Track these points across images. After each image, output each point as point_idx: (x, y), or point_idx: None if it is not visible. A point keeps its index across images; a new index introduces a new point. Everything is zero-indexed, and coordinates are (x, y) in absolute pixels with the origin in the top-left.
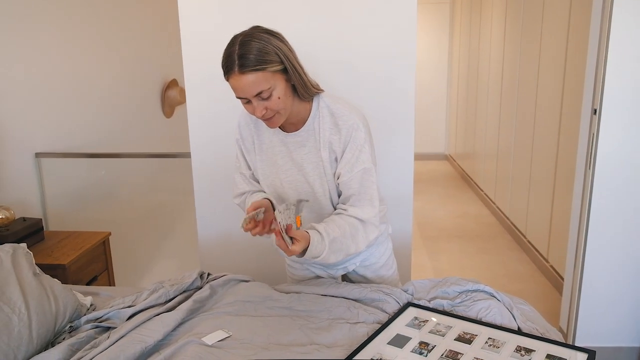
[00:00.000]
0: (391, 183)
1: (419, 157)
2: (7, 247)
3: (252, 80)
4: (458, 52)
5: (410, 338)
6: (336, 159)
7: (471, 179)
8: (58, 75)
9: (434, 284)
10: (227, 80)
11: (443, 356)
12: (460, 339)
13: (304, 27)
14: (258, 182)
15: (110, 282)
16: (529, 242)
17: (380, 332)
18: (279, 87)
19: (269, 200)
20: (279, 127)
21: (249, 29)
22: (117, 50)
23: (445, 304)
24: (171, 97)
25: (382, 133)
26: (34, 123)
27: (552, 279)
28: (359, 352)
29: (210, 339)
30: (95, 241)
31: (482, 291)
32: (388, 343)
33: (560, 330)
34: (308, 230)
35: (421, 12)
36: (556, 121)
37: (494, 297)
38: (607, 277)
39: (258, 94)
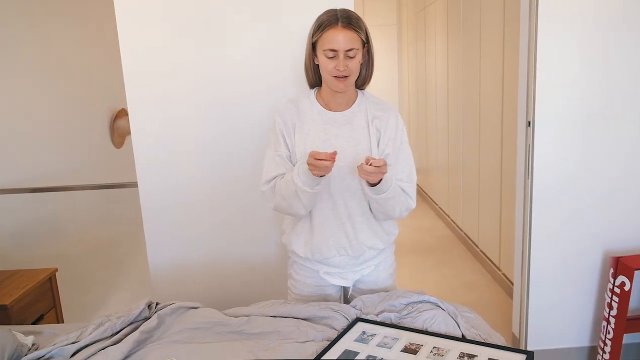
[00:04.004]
0: None
1: None
2: None
3: (350, 36)
4: (407, 71)
5: (358, 352)
6: (379, 139)
7: (426, 194)
8: None
9: (381, 298)
10: (320, 35)
11: None
12: (406, 350)
13: (241, 51)
14: (291, 165)
15: (59, 320)
16: (481, 251)
17: (329, 348)
18: (360, 55)
19: None
20: (325, 107)
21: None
22: (63, 80)
23: (392, 317)
24: (121, 126)
25: None
26: None
27: (505, 286)
28: None
29: None
30: (40, 278)
31: (427, 302)
32: (336, 359)
33: (513, 335)
34: None
35: (370, 33)
36: (498, 134)
37: (438, 306)
38: (553, 280)
39: (348, 50)
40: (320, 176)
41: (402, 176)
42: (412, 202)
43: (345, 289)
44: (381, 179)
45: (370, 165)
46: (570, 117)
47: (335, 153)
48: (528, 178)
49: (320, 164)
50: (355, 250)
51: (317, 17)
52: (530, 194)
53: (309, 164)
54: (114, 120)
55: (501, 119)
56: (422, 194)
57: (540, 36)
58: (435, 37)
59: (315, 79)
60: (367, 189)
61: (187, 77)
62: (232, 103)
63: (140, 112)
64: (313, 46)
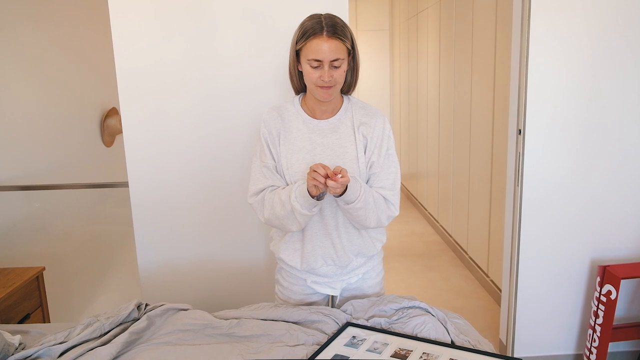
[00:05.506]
0: None
1: None
2: None
3: (336, 46)
4: (399, 76)
5: (348, 357)
6: (365, 146)
7: (416, 199)
8: None
9: (372, 302)
10: (304, 44)
11: None
12: (396, 355)
13: (233, 50)
14: (279, 176)
15: (45, 320)
16: (470, 258)
17: (319, 353)
18: (345, 64)
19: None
20: (310, 115)
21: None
22: (53, 79)
23: (382, 322)
24: (111, 125)
25: None
26: None
27: (493, 292)
28: None
29: None
30: (27, 277)
31: (417, 307)
32: None
33: (500, 342)
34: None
35: (363, 38)
36: (488, 141)
37: (428, 312)
38: (540, 288)
39: (334, 60)
40: (318, 199)
41: (386, 184)
42: (395, 210)
43: (332, 298)
44: (345, 189)
45: (335, 179)
46: (561, 125)
47: (335, 178)
48: (518, 186)
49: (314, 178)
50: (342, 260)
51: (300, 22)
52: (520, 202)
53: (310, 174)
54: (105, 119)
55: (492, 126)
56: (412, 199)
57: (532, 44)
58: (427, 44)
59: (300, 85)
60: (336, 199)
61: (179, 76)
62: (223, 102)
63: (132, 110)
64: (297, 53)
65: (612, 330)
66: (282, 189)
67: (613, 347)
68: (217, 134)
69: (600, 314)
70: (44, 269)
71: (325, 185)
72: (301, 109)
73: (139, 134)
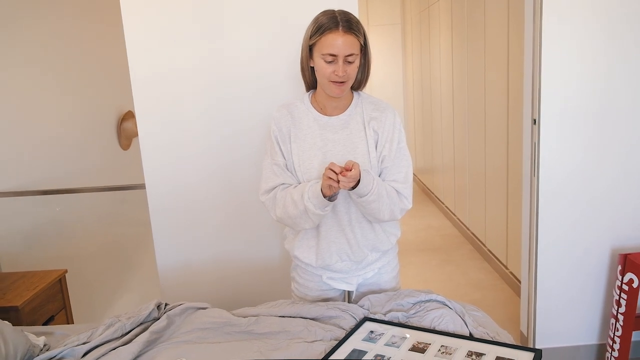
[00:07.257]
0: None
1: None
2: None
3: (351, 41)
4: (411, 70)
5: (366, 352)
6: (376, 141)
7: (432, 193)
8: (4, 110)
9: (389, 297)
10: (319, 39)
11: None
12: (414, 349)
13: (246, 52)
14: (290, 173)
15: (69, 321)
16: (489, 250)
17: (337, 348)
18: (358, 60)
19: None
20: (320, 112)
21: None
22: (70, 84)
23: (400, 316)
24: (127, 129)
25: None
26: None
27: (513, 284)
28: None
29: None
30: (50, 280)
31: (434, 301)
32: (344, 358)
33: (521, 333)
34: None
35: (375, 33)
36: (504, 132)
37: (446, 305)
38: (560, 278)
39: (348, 55)
40: (331, 199)
41: (398, 177)
42: (408, 203)
43: (349, 293)
44: (358, 182)
45: (344, 174)
46: (576, 114)
47: (344, 173)
48: (534, 176)
49: (329, 177)
50: (357, 255)
51: (314, 18)
52: (537, 192)
53: (326, 174)
54: (121, 123)
55: (507, 117)
56: (428, 192)
57: (545, 33)
58: (439, 36)
59: (312, 80)
60: (349, 192)
61: (193, 79)
62: (238, 105)
63: (147, 114)
64: (310, 48)
65: (635, 319)
66: (294, 188)
67: (636, 335)
68: (232, 135)
69: (623, 302)
70: (66, 271)
71: (338, 182)
72: (311, 106)
73: (155, 138)
